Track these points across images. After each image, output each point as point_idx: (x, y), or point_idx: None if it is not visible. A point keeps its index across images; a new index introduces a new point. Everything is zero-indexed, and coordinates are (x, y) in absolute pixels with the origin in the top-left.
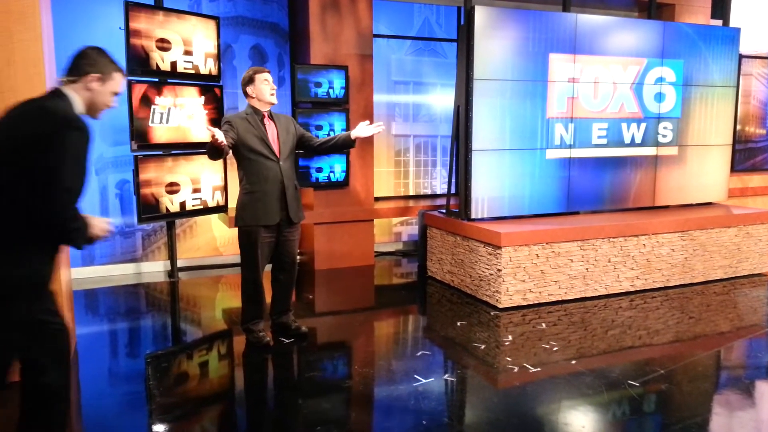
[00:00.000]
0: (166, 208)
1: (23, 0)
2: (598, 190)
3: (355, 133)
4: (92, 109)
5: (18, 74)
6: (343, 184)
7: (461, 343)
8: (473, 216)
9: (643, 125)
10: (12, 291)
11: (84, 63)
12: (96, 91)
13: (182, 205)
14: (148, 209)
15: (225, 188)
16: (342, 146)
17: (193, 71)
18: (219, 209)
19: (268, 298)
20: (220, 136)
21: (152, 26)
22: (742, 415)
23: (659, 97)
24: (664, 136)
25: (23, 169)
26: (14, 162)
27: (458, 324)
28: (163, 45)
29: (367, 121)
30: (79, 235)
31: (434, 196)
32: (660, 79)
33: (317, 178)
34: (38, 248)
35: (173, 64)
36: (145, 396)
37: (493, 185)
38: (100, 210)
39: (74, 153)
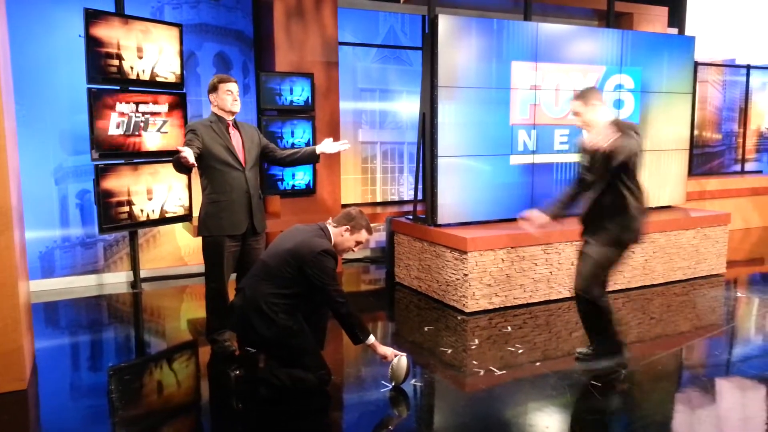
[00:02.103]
0: (129, 218)
1: None
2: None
3: (320, 149)
4: (338, 249)
5: None
6: (310, 191)
7: (429, 347)
8: (439, 222)
9: None
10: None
11: (346, 217)
12: (344, 237)
13: (145, 214)
14: (110, 219)
15: (189, 197)
16: (306, 160)
17: (155, 79)
18: (183, 218)
19: None
20: (190, 156)
21: (113, 33)
22: (702, 413)
23: (618, 103)
24: None
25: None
26: None
27: (426, 329)
28: (125, 52)
29: (332, 138)
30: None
31: (401, 202)
32: (619, 86)
33: (284, 186)
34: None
35: (135, 72)
36: (108, 409)
37: (458, 191)
38: (60, 221)
39: (331, 269)
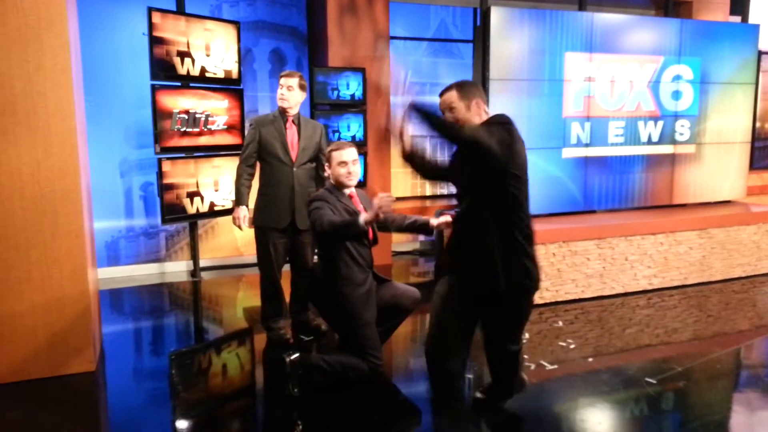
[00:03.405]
0: (189, 209)
1: (52, 8)
2: (615, 189)
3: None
4: (339, 183)
5: (47, 79)
6: (362, 184)
7: (478, 341)
8: None
9: (660, 123)
10: None
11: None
12: (330, 172)
13: (195, 206)
14: (172, 210)
15: None
16: None
17: (214, 75)
18: None
19: (288, 297)
20: (243, 222)
21: (174, 31)
22: (763, 414)
23: (676, 95)
24: (681, 134)
25: None
26: None
27: None
28: (185, 50)
29: None
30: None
31: (451, 195)
32: (677, 77)
33: None
34: None
35: (195, 69)
36: (168, 392)
37: None
38: (125, 211)
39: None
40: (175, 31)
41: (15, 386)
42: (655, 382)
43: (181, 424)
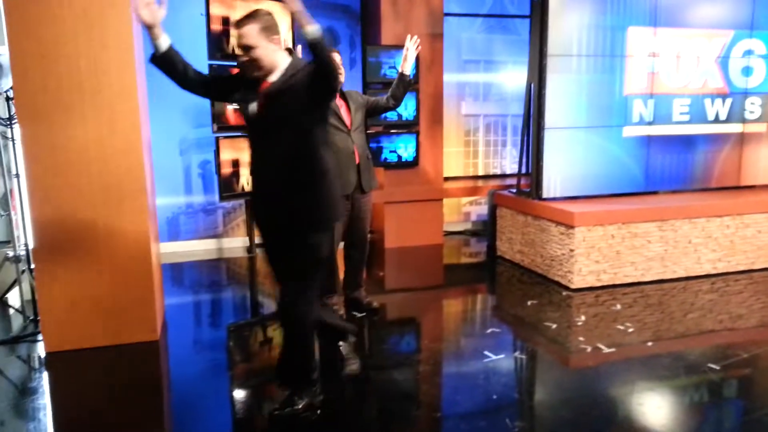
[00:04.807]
0: (244, 187)
1: None
2: (679, 169)
3: (400, 68)
4: None
5: (111, 59)
6: (413, 163)
7: (532, 322)
8: (545, 195)
9: (728, 101)
10: None
11: None
12: None
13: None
14: (228, 188)
15: None
16: (400, 86)
17: None
18: None
19: (341, 274)
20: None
21: (231, 11)
22: None
23: (747, 71)
24: (751, 112)
25: None
26: None
27: (528, 303)
28: None
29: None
30: None
31: (504, 176)
32: (748, 52)
33: (388, 158)
34: None
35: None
36: (226, 363)
37: (566, 164)
38: (184, 188)
39: None
40: (231, 10)
41: (84, 352)
42: (718, 368)
43: (239, 393)
